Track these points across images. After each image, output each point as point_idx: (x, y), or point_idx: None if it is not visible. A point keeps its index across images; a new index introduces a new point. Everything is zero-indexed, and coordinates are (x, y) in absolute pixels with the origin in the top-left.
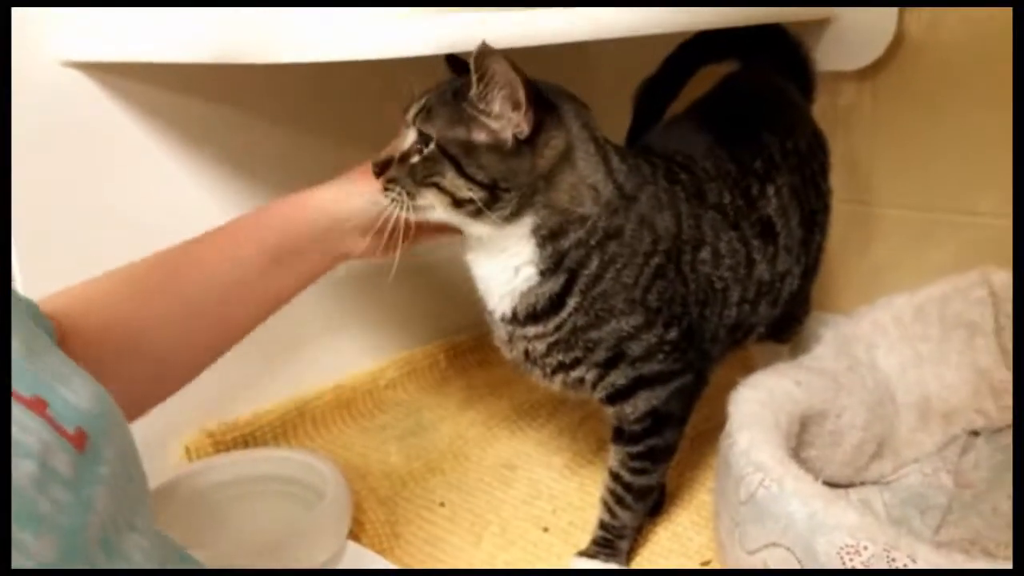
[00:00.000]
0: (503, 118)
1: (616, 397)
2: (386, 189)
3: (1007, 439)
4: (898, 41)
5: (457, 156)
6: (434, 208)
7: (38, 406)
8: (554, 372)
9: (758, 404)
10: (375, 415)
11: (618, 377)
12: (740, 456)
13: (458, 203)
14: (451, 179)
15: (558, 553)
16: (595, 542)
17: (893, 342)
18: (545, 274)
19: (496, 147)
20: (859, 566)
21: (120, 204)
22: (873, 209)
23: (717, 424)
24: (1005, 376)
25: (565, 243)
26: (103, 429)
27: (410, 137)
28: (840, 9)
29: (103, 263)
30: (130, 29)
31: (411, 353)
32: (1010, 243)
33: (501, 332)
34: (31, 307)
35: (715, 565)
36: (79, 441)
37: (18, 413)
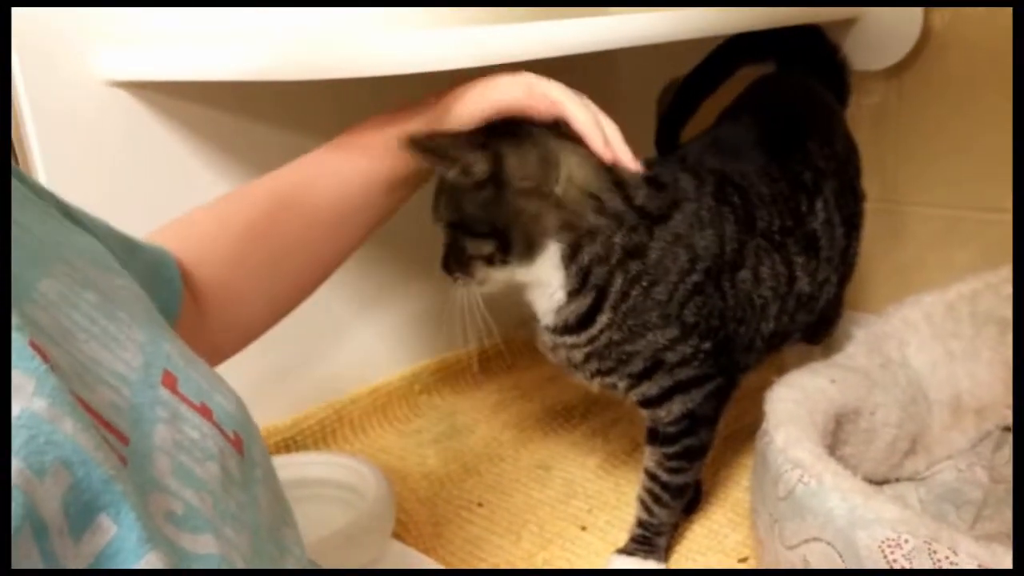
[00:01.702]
0: (467, 174)
1: (651, 402)
2: (455, 280)
3: None
4: (924, 40)
5: (461, 224)
6: (486, 275)
7: (206, 413)
8: (592, 376)
9: (794, 403)
10: (411, 419)
11: (651, 387)
12: (778, 453)
13: (490, 261)
14: (471, 246)
15: (596, 551)
16: (633, 539)
17: (924, 340)
18: (572, 294)
19: (481, 199)
20: (900, 559)
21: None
22: (901, 208)
23: (750, 423)
24: None
25: (585, 259)
26: (250, 431)
27: (446, 234)
28: (865, 8)
29: None
30: (175, 48)
31: (444, 358)
32: None
33: (545, 339)
34: (163, 257)
35: (752, 562)
36: (239, 445)
37: (196, 419)
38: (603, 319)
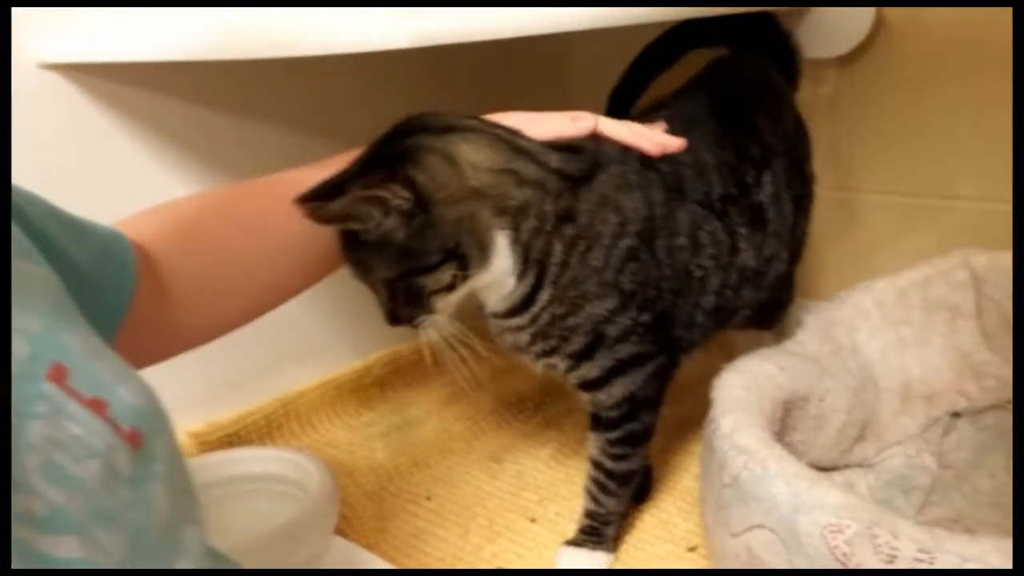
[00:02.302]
0: (388, 216)
1: (592, 385)
2: (415, 328)
3: (989, 420)
4: (877, 28)
5: (410, 269)
6: (447, 302)
7: (98, 407)
8: (537, 358)
9: (742, 388)
10: (361, 412)
11: (591, 368)
12: (723, 440)
13: (452, 286)
14: (430, 282)
15: (545, 543)
16: (581, 530)
17: (875, 326)
18: (520, 276)
19: (416, 230)
20: (842, 544)
21: (100, 208)
22: (854, 195)
23: (702, 412)
24: (987, 357)
25: (524, 235)
26: (156, 427)
27: (381, 290)
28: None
29: None
30: (108, 29)
31: (397, 350)
32: (991, 227)
33: (492, 325)
34: (117, 241)
35: (701, 551)
36: (135, 440)
37: (81, 413)
38: (545, 295)
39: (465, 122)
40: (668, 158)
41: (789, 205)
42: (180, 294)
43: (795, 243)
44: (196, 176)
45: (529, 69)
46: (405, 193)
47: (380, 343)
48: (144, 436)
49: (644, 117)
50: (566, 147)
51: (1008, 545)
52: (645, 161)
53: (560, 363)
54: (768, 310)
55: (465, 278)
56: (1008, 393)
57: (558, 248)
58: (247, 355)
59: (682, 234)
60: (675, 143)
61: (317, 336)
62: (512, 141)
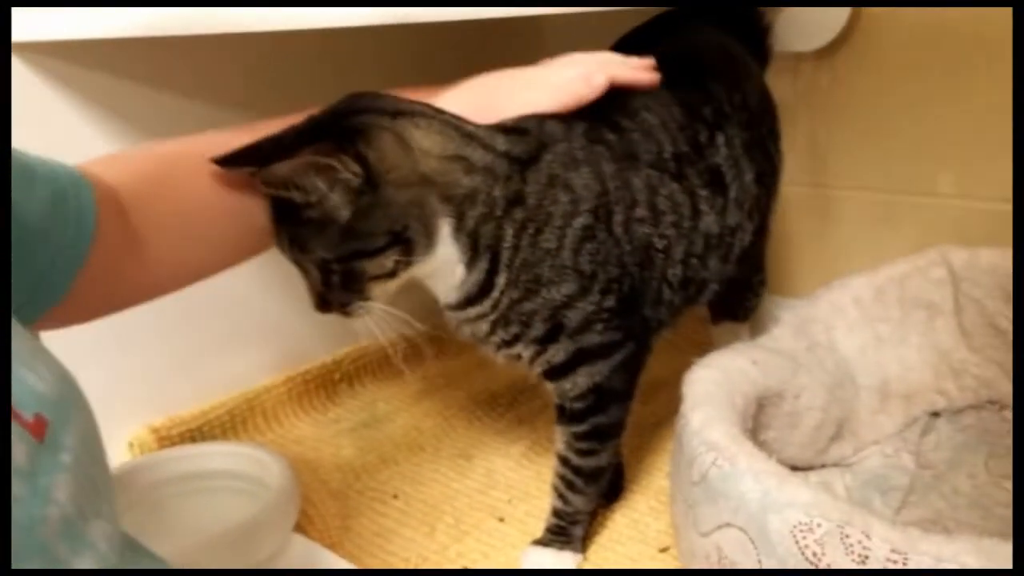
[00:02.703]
0: (334, 191)
1: (555, 373)
2: (347, 315)
3: (968, 420)
4: (854, 21)
5: (351, 252)
6: (384, 288)
7: None
8: (498, 348)
9: (713, 384)
10: (328, 408)
11: (556, 353)
12: (693, 436)
13: (393, 273)
14: (371, 267)
15: (513, 543)
16: (549, 530)
17: (852, 323)
18: (469, 264)
19: (362, 211)
20: (812, 544)
21: None
22: (832, 191)
23: (676, 409)
24: (965, 356)
25: (470, 223)
26: (65, 415)
27: (313, 272)
28: None
29: None
30: (61, 6)
31: (366, 346)
32: (969, 224)
33: (448, 318)
34: (75, 187)
35: (673, 551)
36: (38, 429)
37: None
38: (501, 280)
39: (413, 106)
40: (612, 124)
41: (750, 175)
42: (152, 238)
43: (761, 217)
44: None
45: (503, 52)
46: (356, 167)
47: (350, 338)
48: (50, 424)
49: None
50: (511, 128)
51: (984, 545)
52: (591, 134)
53: (524, 351)
54: (739, 292)
55: (408, 264)
56: (987, 393)
57: (509, 232)
58: (212, 348)
59: (640, 204)
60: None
61: (285, 330)
62: (460, 127)
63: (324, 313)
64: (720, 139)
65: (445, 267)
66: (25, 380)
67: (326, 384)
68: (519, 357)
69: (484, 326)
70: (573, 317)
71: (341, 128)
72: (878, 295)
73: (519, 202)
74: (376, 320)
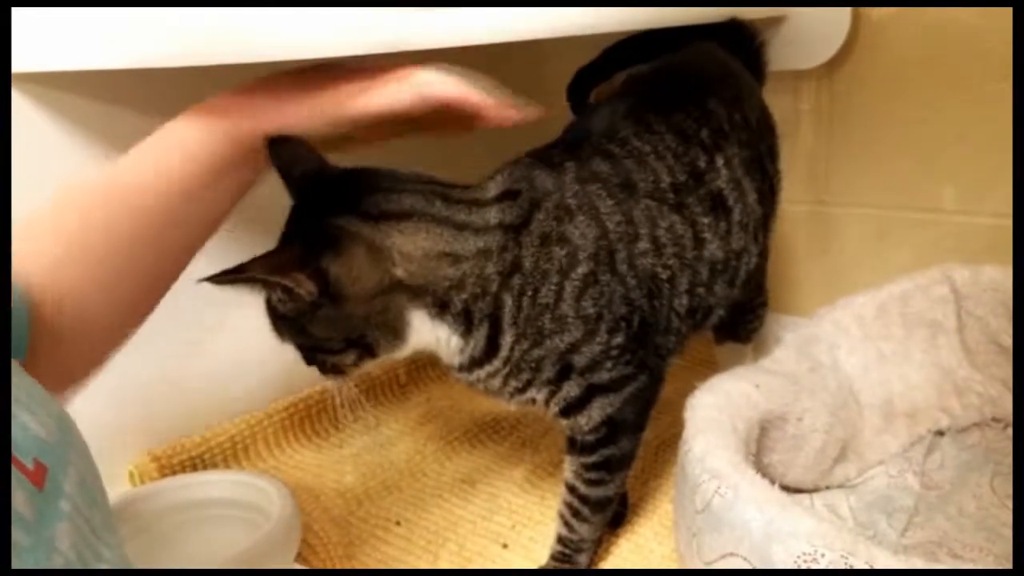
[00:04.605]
0: (290, 299)
1: (570, 409)
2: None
3: (972, 438)
4: (853, 38)
5: (312, 345)
6: (358, 367)
7: None
8: (511, 396)
9: (715, 409)
10: (331, 433)
11: (571, 389)
12: (696, 463)
13: (357, 364)
14: (333, 359)
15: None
16: (553, 557)
17: (855, 342)
18: (466, 335)
19: (318, 319)
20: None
21: None
22: (832, 209)
23: (679, 431)
24: (969, 374)
25: (458, 306)
26: (63, 458)
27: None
28: (794, 8)
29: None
30: (59, 37)
31: (370, 369)
32: (972, 241)
33: (459, 378)
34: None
35: None
36: (37, 477)
37: None
38: (507, 339)
39: (403, 205)
40: (604, 153)
41: (753, 196)
42: (83, 313)
43: (763, 240)
44: None
45: (503, 70)
46: (311, 286)
47: None
48: (49, 471)
49: (580, 120)
50: (504, 194)
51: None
52: (581, 174)
53: (537, 394)
54: (742, 314)
55: (374, 357)
56: (991, 410)
57: (507, 300)
58: (213, 375)
59: (643, 237)
60: (532, 112)
61: (287, 355)
62: (453, 218)
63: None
64: (720, 161)
65: (438, 343)
66: (26, 425)
67: (328, 409)
68: (533, 401)
69: (496, 381)
70: (580, 360)
71: (317, 230)
72: (880, 313)
73: (516, 270)
74: (344, 391)
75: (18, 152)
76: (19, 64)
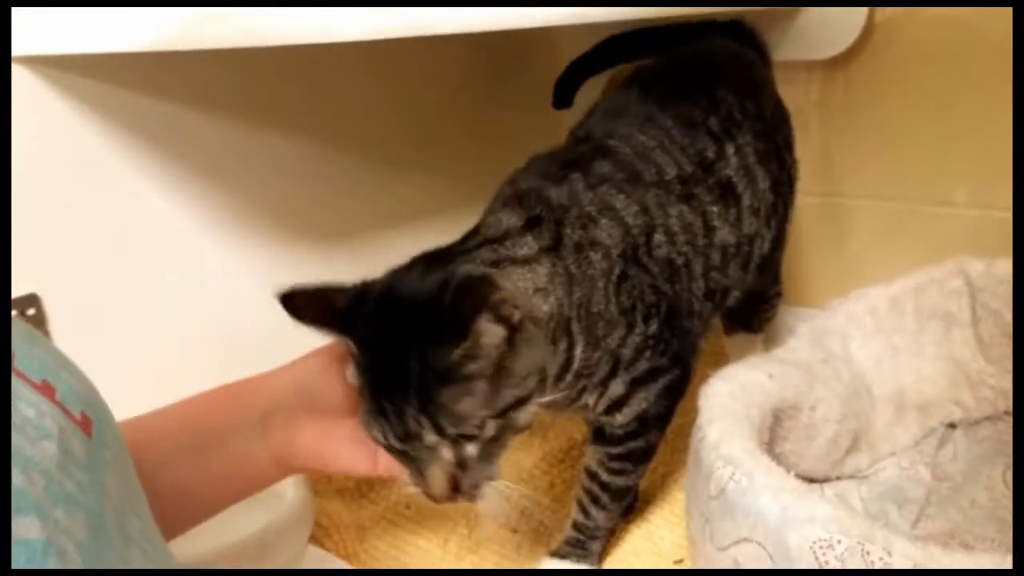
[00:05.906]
0: (489, 349)
1: (613, 407)
2: (472, 499)
3: (984, 431)
4: (868, 30)
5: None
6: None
7: (48, 391)
8: (568, 406)
9: (729, 397)
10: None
11: (616, 387)
12: (710, 450)
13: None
14: (522, 418)
15: (527, 554)
16: (567, 542)
17: (868, 334)
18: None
19: (517, 349)
20: (832, 560)
21: (71, 209)
22: (846, 201)
23: (693, 419)
24: (982, 367)
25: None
26: (103, 414)
27: (443, 454)
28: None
29: (51, 273)
30: (76, 19)
31: None
32: (986, 234)
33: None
34: None
35: (687, 564)
36: (86, 426)
37: (33, 396)
38: (577, 351)
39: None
40: (603, 151)
41: (765, 183)
42: None
43: (778, 227)
44: (171, 175)
45: (515, 60)
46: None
47: None
48: (93, 422)
49: (589, 119)
50: (528, 222)
51: (1006, 560)
52: (590, 182)
53: (590, 398)
54: (755, 304)
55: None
56: (1004, 404)
57: (573, 313)
58: (222, 362)
59: (658, 228)
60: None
61: (296, 340)
62: (514, 257)
63: (449, 503)
64: (730, 149)
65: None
66: (66, 380)
67: None
68: (586, 407)
69: (562, 395)
70: (627, 352)
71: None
72: (894, 305)
73: (571, 283)
74: (505, 497)
75: (34, 136)
76: (35, 47)
